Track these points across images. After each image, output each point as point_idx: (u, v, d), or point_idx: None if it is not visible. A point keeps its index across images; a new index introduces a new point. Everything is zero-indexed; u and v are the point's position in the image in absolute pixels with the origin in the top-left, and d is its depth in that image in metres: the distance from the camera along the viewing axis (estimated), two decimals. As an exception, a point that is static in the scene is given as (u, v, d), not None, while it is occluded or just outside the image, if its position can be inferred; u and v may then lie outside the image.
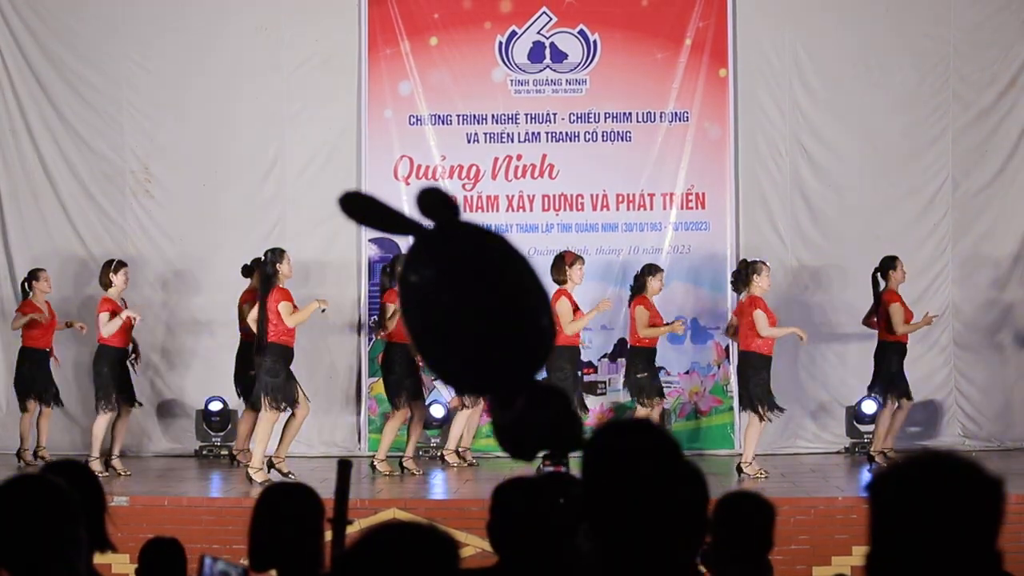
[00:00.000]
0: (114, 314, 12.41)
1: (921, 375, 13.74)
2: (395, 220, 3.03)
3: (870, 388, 13.11)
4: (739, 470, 12.26)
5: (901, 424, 13.16)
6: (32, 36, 14.12)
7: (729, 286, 13.74)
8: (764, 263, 12.57)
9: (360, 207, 3.12)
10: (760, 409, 12.15)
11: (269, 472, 11.81)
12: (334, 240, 13.95)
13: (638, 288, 12.86)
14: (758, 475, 12.17)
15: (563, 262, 12.41)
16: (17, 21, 14.11)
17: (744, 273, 12.50)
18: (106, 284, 12.62)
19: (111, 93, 14.10)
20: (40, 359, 13.03)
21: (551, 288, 12.31)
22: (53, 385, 13.07)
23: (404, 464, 12.46)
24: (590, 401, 13.43)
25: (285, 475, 11.71)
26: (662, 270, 12.88)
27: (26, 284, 13.18)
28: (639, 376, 12.76)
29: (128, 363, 12.59)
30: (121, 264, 12.76)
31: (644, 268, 12.92)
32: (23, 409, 12.99)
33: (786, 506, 10.26)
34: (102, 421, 12.45)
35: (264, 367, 11.79)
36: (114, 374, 12.45)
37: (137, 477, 12.56)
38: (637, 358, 12.82)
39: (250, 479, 11.73)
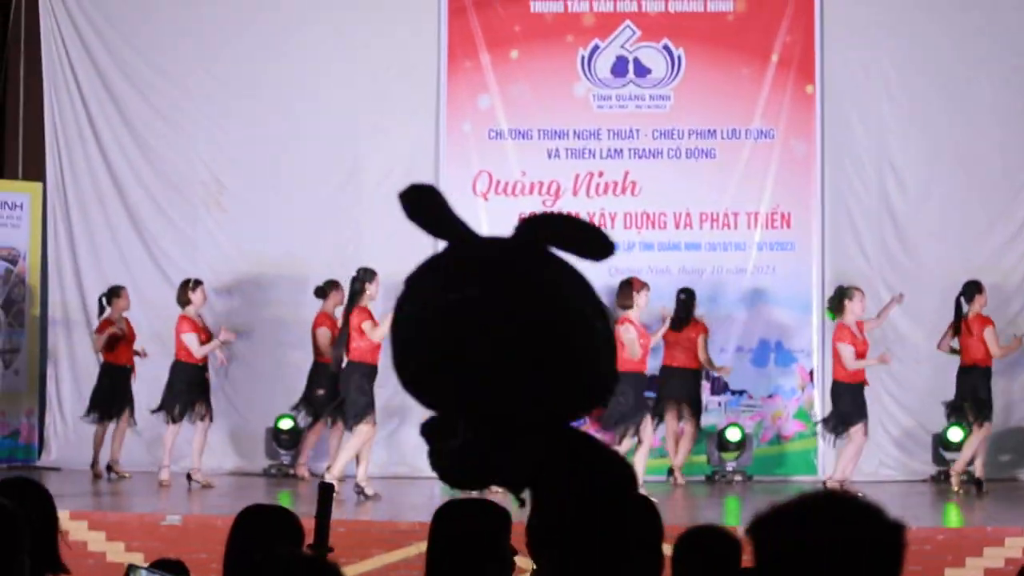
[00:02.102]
0: (194, 333, 12.34)
1: (1011, 400, 13.40)
2: (451, 225, 2.67)
3: (953, 412, 12.80)
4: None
5: (984, 448, 12.80)
6: (102, 42, 13.82)
7: (815, 308, 13.46)
8: (858, 289, 12.36)
9: (422, 202, 2.76)
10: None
11: (359, 496, 11.52)
12: (410, 256, 13.45)
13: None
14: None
15: (631, 288, 12.07)
16: (87, 26, 13.81)
17: (837, 299, 12.30)
18: (184, 302, 12.50)
19: (181, 103, 13.79)
20: (121, 375, 12.86)
21: (616, 313, 12.01)
22: (129, 402, 12.82)
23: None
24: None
25: (370, 497, 11.47)
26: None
27: (104, 300, 12.93)
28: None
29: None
30: (198, 282, 12.64)
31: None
32: (98, 422, 12.78)
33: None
34: (171, 432, 12.47)
35: (353, 384, 11.52)
36: (192, 390, 12.34)
37: (198, 494, 12.22)
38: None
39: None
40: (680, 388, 13.03)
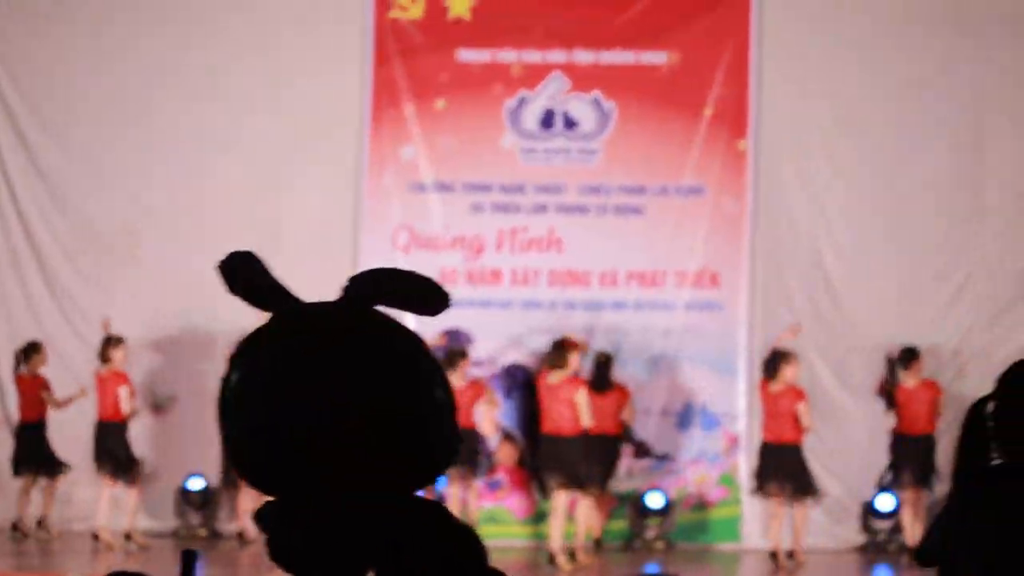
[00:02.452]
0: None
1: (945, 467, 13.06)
2: (274, 294, 2.37)
3: (889, 480, 12.53)
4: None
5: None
6: (15, 86, 13.45)
7: (741, 371, 13.15)
8: (794, 354, 12.11)
9: (239, 271, 2.45)
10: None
11: None
12: (327, 310, 13.24)
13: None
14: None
15: (564, 348, 11.81)
16: (3, 74, 13.43)
17: (772, 363, 12.07)
18: (106, 359, 12.34)
19: (97, 151, 13.43)
20: (36, 431, 12.84)
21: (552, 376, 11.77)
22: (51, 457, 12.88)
23: None
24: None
25: None
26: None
27: (21, 356, 12.80)
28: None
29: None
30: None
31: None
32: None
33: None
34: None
35: None
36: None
37: (107, 555, 12.00)
38: None
39: None
40: (601, 456, 12.69)
